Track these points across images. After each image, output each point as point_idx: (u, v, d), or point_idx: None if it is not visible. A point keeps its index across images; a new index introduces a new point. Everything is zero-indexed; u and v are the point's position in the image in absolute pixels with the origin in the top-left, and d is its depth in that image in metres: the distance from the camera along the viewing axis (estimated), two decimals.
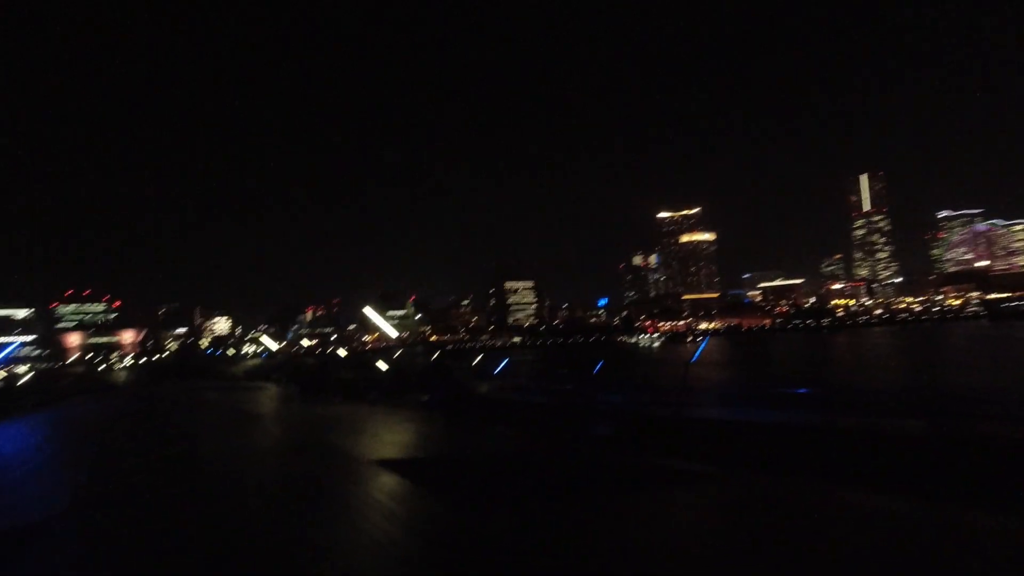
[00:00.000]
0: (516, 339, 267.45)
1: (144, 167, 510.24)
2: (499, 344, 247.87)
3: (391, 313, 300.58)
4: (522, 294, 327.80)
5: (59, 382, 52.25)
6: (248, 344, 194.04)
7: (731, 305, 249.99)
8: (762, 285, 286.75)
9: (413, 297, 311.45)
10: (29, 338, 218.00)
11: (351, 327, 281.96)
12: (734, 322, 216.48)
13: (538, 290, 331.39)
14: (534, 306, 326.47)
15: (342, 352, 71.07)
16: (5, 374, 67.90)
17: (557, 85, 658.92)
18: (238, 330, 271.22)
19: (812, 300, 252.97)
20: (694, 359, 18.48)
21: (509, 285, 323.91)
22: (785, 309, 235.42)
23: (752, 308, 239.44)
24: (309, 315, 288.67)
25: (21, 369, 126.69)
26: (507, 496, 7.88)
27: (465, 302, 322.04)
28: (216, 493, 8.98)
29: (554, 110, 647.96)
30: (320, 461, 11.17)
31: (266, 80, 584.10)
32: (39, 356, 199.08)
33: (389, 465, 9.99)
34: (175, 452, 12.80)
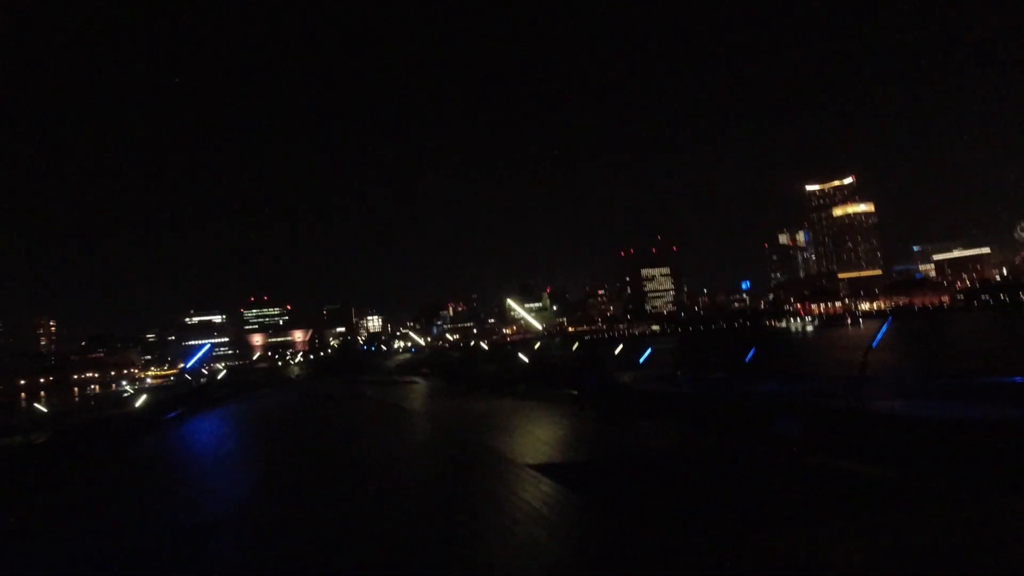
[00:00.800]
0: (655, 327, 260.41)
1: (309, 188, 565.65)
2: (637, 333, 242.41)
3: (528, 306, 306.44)
4: (659, 281, 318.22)
5: (246, 377, 59.67)
6: (398, 340, 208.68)
7: (900, 282, 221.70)
8: (937, 258, 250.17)
9: (549, 289, 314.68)
10: (223, 340, 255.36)
11: (490, 321, 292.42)
12: (903, 301, 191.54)
13: (675, 276, 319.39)
14: (671, 292, 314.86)
15: (484, 345, 73.34)
16: (207, 371, 79.05)
17: (681, 62, 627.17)
18: (388, 327, 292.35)
19: (1003, 271, 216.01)
20: (875, 343, 15.26)
21: (645, 272, 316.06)
22: (968, 284, 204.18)
23: (926, 284, 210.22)
24: (450, 311, 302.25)
25: (219, 366, 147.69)
26: (690, 514, 6.75)
27: (601, 292, 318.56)
28: (373, 492, 9.07)
29: (685, 87, 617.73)
30: (473, 461, 10.91)
31: (402, 80, 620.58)
32: (233, 354, 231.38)
33: (546, 470, 9.22)
34: (338, 447, 13.48)
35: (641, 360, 26.23)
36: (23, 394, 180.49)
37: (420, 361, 46.47)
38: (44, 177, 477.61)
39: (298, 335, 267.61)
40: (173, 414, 21.58)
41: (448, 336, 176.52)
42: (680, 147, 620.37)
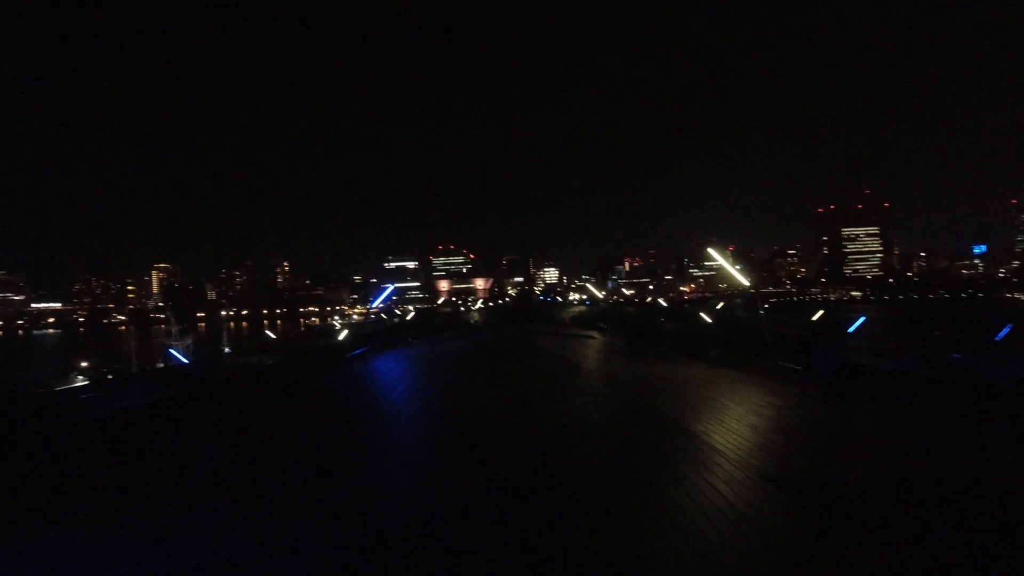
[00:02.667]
0: (855, 293, 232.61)
1: (502, 139, 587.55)
2: (834, 298, 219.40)
3: (707, 264, 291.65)
4: (863, 241, 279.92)
5: (432, 320, 64.30)
6: (573, 292, 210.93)
7: None
8: None
9: (732, 247, 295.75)
10: (415, 284, 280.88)
11: (667, 278, 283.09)
12: None
13: (884, 236, 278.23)
14: (878, 255, 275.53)
15: (663, 302, 70.19)
16: (399, 312, 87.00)
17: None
18: (564, 279, 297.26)
19: None
20: None
21: (847, 231, 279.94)
22: None
23: None
24: (626, 266, 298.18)
25: (410, 308, 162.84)
26: None
27: (791, 251, 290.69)
28: (545, 461, 7.68)
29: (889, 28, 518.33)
30: (671, 450, 8.03)
31: (589, 32, 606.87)
32: (423, 298, 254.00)
33: (786, 485, 6.31)
34: (512, 400, 12.38)
35: (851, 329, 22.20)
36: (265, 321, 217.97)
37: (596, 315, 45.42)
38: (281, 147, 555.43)
39: (479, 283, 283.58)
40: (359, 351, 23.08)
41: (623, 291, 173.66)
42: (902, 77, 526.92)
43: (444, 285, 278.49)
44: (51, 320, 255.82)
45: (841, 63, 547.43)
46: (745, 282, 20.30)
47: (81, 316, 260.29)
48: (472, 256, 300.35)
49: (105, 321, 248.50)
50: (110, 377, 31.53)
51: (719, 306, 49.40)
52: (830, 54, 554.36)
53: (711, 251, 25.52)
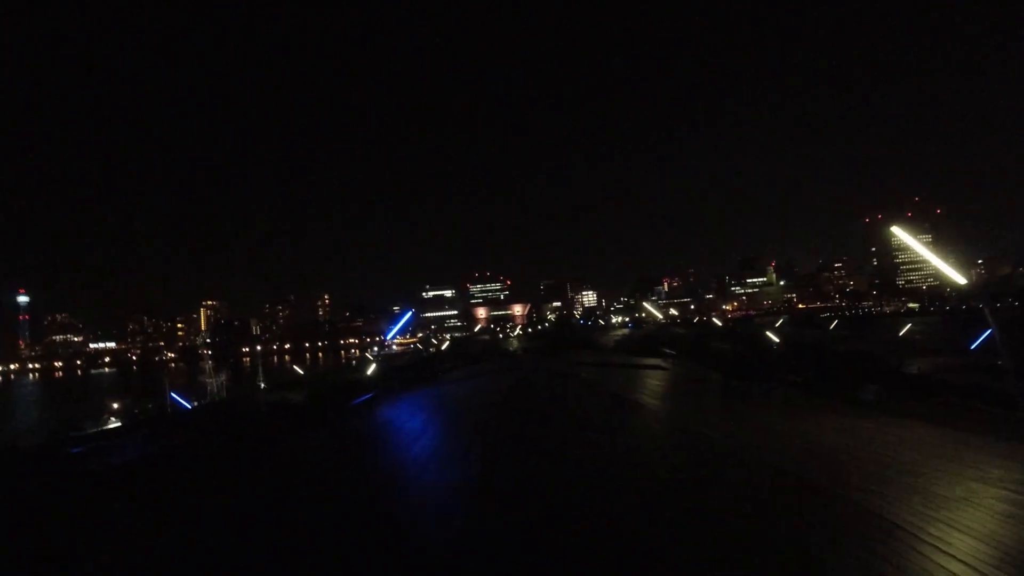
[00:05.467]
0: (912, 304, 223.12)
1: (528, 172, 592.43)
2: (888, 311, 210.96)
3: (750, 281, 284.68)
4: (914, 251, 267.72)
5: (468, 349, 62.18)
6: (614, 315, 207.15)
7: None
8: None
9: (773, 263, 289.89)
10: (453, 312, 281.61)
11: (708, 297, 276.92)
12: None
13: (938, 243, 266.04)
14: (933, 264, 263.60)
15: (717, 321, 66.47)
16: (435, 341, 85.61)
17: None
18: (603, 301, 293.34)
19: None
20: None
21: (898, 242, 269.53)
22: None
23: None
24: (665, 286, 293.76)
25: (447, 336, 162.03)
26: None
27: (838, 264, 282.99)
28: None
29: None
30: None
31: (614, 52, 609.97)
32: (460, 326, 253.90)
33: None
34: (568, 456, 9.02)
35: (973, 345, 18.46)
36: (307, 354, 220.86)
37: (641, 338, 42.30)
38: (328, 176, 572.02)
39: (517, 309, 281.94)
40: (364, 397, 19.80)
41: (670, 311, 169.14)
42: (947, 77, 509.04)
43: (482, 312, 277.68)
44: (107, 359, 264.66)
45: (877, 64, 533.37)
46: (959, 278, 13.70)
47: (135, 354, 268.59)
48: (508, 283, 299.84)
49: (156, 359, 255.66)
50: (133, 420, 30.49)
51: (779, 323, 45.77)
52: (866, 55, 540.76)
53: (897, 232, 17.98)
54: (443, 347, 65.92)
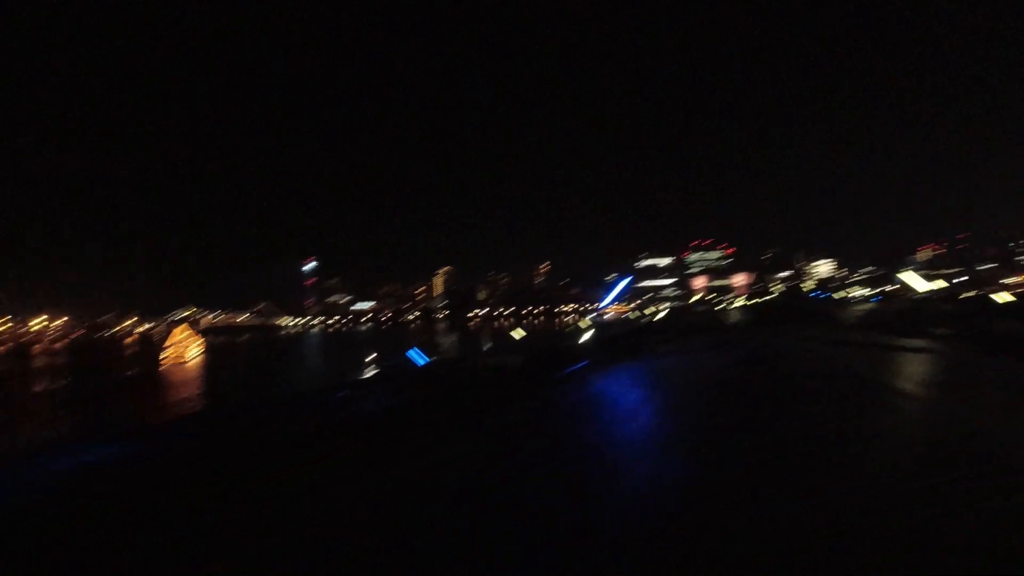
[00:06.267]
0: None
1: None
2: None
3: None
4: None
5: (685, 320, 59.61)
6: (856, 287, 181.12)
7: None
8: None
9: None
10: (669, 281, 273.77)
11: (985, 266, 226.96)
12: None
13: None
14: None
15: (1007, 296, 53.99)
16: (652, 310, 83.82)
17: None
18: (842, 272, 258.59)
19: None
20: None
21: None
22: None
23: None
24: (922, 254, 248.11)
25: (663, 306, 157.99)
26: None
27: None
28: None
29: None
30: None
31: None
32: (676, 296, 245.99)
33: None
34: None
35: None
36: (525, 320, 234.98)
37: (899, 312, 35.91)
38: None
39: (738, 279, 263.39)
40: (577, 366, 19.45)
41: (933, 283, 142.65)
42: None
43: (700, 282, 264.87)
44: (366, 318, 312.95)
45: None
46: None
47: (386, 314, 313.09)
48: (731, 251, 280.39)
49: (402, 319, 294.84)
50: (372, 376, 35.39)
51: None
52: None
53: None
54: (658, 317, 64.17)
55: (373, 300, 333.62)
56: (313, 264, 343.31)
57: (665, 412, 11.75)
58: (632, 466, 7.98)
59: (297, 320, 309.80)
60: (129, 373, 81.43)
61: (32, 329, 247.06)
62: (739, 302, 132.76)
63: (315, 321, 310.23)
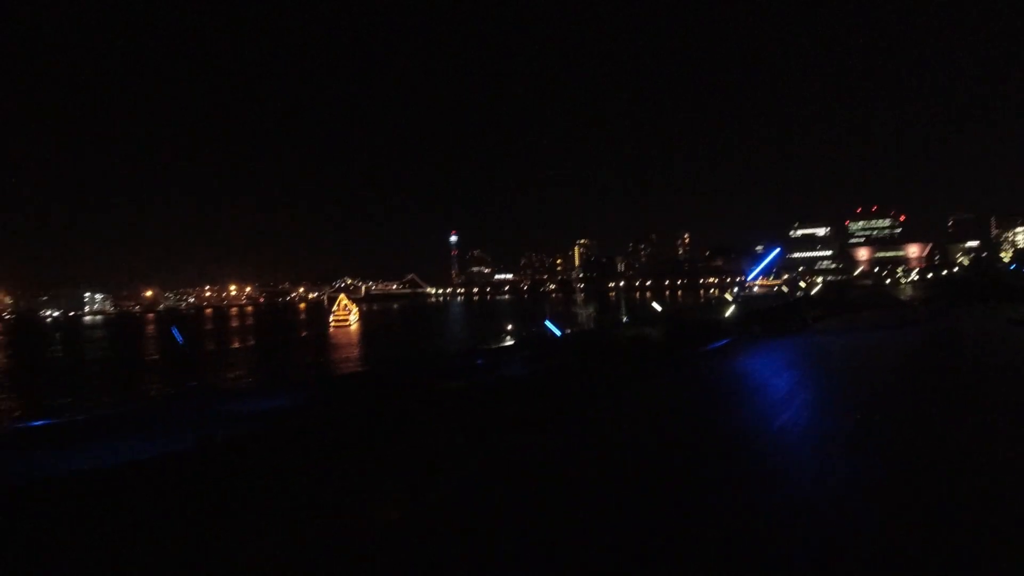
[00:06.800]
0: None
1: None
2: None
3: None
4: None
5: (845, 295, 54.09)
6: None
7: None
8: None
9: None
10: (826, 253, 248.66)
11: None
12: None
13: None
14: None
15: None
16: (804, 284, 77.12)
17: None
18: None
19: None
20: None
21: None
22: None
23: None
24: None
25: (819, 279, 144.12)
26: None
27: None
28: None
29: None
30: None
31: None
32: (834, 268, 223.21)
33: None
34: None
35: None
36: (667, 292, 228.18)
37: None
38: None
39: (912, 249, 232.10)
40: (719, 343, 18.25)
41: None
42: None
43: (863, 253, 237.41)
44: (507, 288, 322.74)
45: None
46: None
47: (526, 284, 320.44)
48: (903, 218, 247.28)
49: (541, 290, 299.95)
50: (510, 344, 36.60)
51: None
52: None
53: None
54: (813, 292, 58.84)
55: (513, 271, 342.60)
56: (456, 238, 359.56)
57: (819, 404, 10.35)
58: (782, 470, 6.82)
59: (443, 290, 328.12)
60: (304, 334, 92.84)
61: (228, 295, 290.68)
62: (913, 276, 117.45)
63: (459, 291, 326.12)
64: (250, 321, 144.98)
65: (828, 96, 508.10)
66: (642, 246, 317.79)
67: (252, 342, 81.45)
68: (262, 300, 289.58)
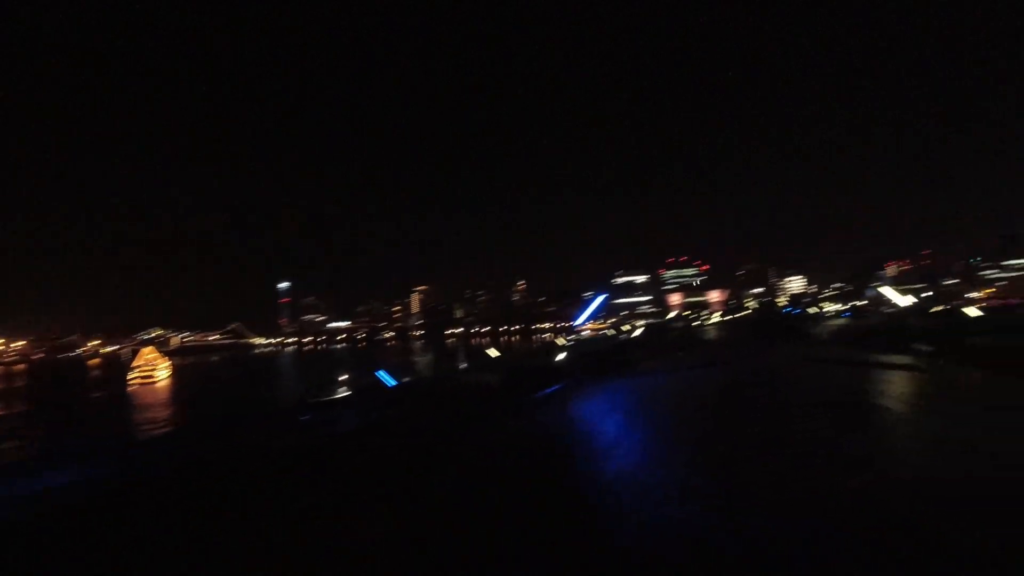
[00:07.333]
0: None
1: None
2: None
3: (1007, 263, 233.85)
4: None
5: (663, 337, 59.64)
6: (827, 303, 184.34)
7: None
8: None
9: None
10: (646, 298, 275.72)
11: (948, 282, 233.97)
12: None
13: None
14: None
15: (975, 310, 55.13)
16: (630, 327, 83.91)
17: None
18: (812, 288, 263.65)
19: None
20: None
21: None
22: None
23: None
24: (891, 270, 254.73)
25: (639, 322, 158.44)
26: None
27: None
28: None
29: None
30: None
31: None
32: (652, 312, 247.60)
33: None
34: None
35: None
36: (502, 338, 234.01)
37: (872, 328, 36.17)
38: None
39: (714, 295, 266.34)
40: (553, 388, 18.61)
41: (905, 299, 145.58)
42: None
43: (675, 299, 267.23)
44: (342, 336, 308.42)
45: None
46: None
47: (362, 333, 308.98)
48: (706, 268, 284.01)
49: (378, 337, 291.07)
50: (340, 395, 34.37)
51: None
52: None
53: None
54: (635, 334, 64.01)
55: (350, 319, 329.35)
56: (287, 284, 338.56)
57: (651, 443, 10.64)
58: (618, 519, 6.76)
59: (271, 340, 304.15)
60: (96, 395, 78.89)
61: None
62: (715, 318, 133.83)
63: (290, 340, 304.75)
64: (20, 382, 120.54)
65: (642, 161, 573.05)
66: (480, 293, 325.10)
67: (21, 408, 67.08)
68: (39, 357, 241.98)
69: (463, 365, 50.05)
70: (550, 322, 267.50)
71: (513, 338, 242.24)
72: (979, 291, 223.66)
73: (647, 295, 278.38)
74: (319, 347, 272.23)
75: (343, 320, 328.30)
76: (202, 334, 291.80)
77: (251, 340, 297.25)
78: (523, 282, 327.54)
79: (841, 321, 68.43)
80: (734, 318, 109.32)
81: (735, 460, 8.78)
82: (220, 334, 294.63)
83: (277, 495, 8.77)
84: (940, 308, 74.53)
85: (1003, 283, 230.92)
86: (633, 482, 8.05)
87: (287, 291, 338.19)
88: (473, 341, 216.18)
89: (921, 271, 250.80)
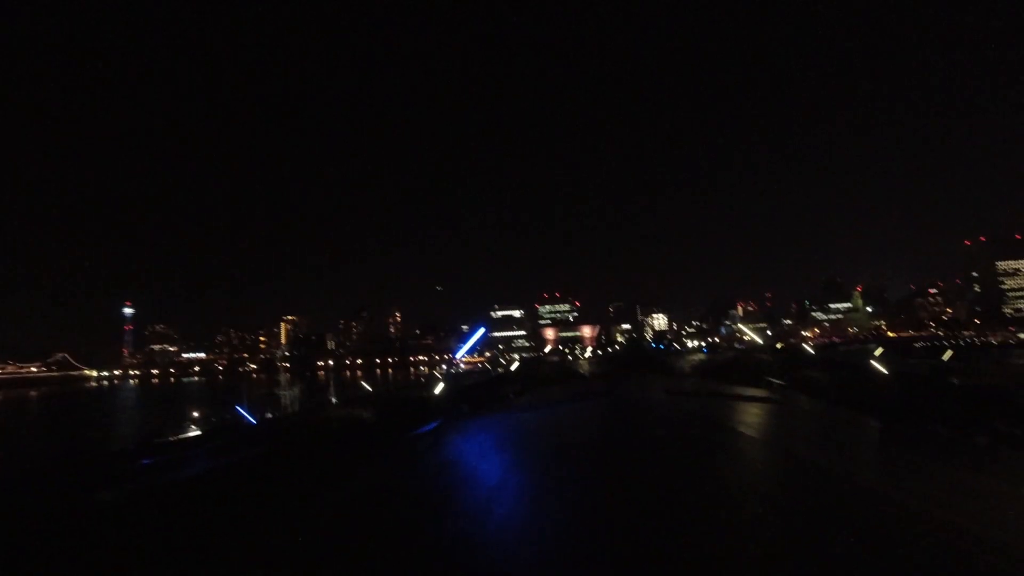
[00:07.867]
0: (1022, 334, 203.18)
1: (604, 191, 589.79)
2: (996, 341, 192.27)
3: (833, 306, 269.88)
4: None
5: (539, 369, 60.70)
6: (686, 339, 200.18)
7: None
8: None
9: (860, 287, 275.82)
10: (521, 332, 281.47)
11: (786, 322, 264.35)
12: None
13: None
14: None
15: (809, 348, 61.88)
16: (504, 361, 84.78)
17: None
18: (674, 325, 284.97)
19: None
20: None
21: (1003, 266, 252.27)
22: None
23: None
24: (740, 310, 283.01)
25: (516, 356, 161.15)
26: None
27: (933, 290, 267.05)
28: None
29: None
30: None
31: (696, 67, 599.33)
32: (528, 347, 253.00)
33: None
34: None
35: None
36: (379, 370, 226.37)
37: (727, 362, 39.27)
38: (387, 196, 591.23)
39: (586, 331, 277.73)
40: (429, 427, 17.59)
41: (754, 337, 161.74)
42: None
43: (550, 333, 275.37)
44: (197, 368, 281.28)
45: (980, 75, 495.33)
46: None
47: (221, 365, 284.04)
48: (578, 303, 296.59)
49: (240, 369, 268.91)
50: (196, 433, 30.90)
51: (876, 352, 41.69)
52: (961, 67, 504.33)
53: None
54: (512, 368, 64.56)
55: (207, 350, 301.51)
56: (131, 310, 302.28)
57: (529, 487, 10.11)
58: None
59: (110, 372, 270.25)
60: None
61: None
62: (588, 353, 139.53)
63: (134, 373, 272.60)
64: None
65: (517, 197, 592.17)
66: (353, 323, 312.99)
67: None
68: None
69: (334, 399, 47.28)
70: (426, 354, 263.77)
71: (389, 370, 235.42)
72: (809, 330, 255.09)
73: (523, 329, 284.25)
74: (170, 380, 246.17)
75: (199, 351, 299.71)
76: (19, 365, 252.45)
77: (83, 372, 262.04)
78: (399, 312, 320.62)
79: (701, 356, 73.73)
80: (606, 352, 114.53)
81: (620, 499, 8.64)
82: (42, 365, 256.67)
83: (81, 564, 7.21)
84: (782, 345, 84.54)
85: (827, 323, 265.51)
86: (514, 541, 7.46)
87: (131, 317, 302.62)
88: (346, 373, 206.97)
89: (765, 311, 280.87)
